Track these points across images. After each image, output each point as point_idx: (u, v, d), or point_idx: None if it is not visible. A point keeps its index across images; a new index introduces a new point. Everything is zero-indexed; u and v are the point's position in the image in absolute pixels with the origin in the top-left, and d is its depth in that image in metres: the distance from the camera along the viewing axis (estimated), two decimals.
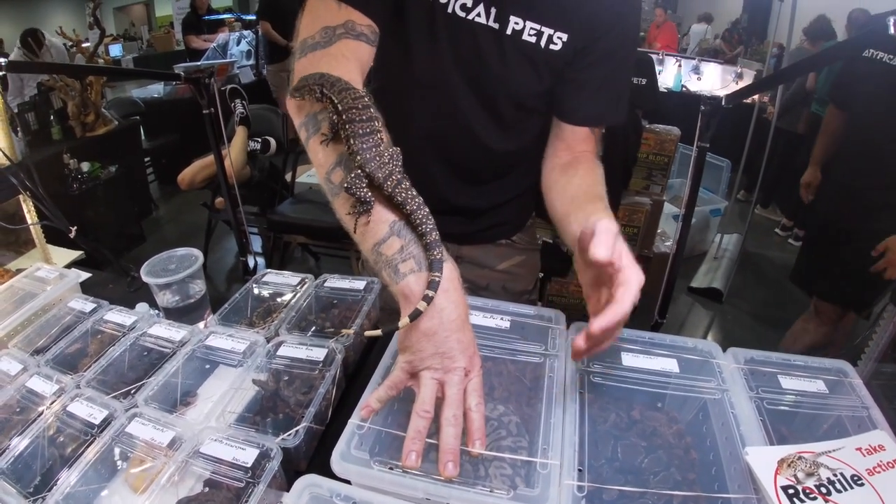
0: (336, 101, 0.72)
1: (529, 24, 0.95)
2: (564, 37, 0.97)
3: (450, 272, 0.72)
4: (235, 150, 3.00)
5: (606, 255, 0.68)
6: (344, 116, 0.71)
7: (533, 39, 0.97)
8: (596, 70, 1.00)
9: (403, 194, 0.70)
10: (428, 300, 0.67)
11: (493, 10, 0.95)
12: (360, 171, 0.70)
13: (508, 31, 0.96)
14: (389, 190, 0.70)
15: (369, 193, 0.70)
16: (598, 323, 0.69)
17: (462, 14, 0.96)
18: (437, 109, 1.07)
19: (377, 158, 0.70)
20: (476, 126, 1.08)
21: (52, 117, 3.74)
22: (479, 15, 0.96)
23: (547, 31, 0.96)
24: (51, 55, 4.46)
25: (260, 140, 3.23)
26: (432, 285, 0.68)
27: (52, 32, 4.83)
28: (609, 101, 1.05)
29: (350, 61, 0.83)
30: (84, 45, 4.22)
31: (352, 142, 0.70)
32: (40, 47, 4.38)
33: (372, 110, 0.73)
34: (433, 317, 0.69)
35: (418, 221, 0.70)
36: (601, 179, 1.00)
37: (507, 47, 0.98)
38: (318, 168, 0.79)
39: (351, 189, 0.70)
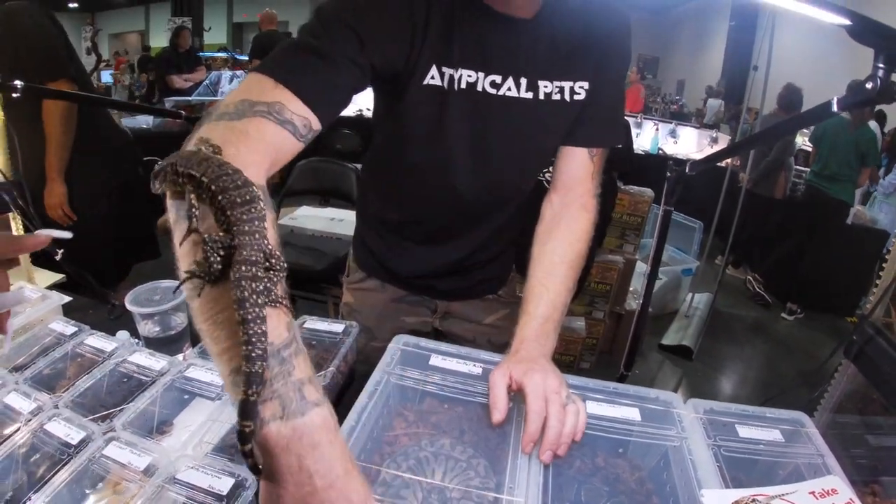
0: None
1: (555, 84, 0.99)
2: (586, 84, 1.01)
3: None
4: None
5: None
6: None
7: (559, 97, 1.00)
8: (595, 97, 1.03)
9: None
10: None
11: (523, 81, 0.97)
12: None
13: (541, 97, 0.99)
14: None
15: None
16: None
17: (493, 91, 0.97)
18: (433, 191, 1.11)
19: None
20: (475, 204, 1.11)
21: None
22: (509, 89, 0.97)
23: (568, 84, 1.00)
24: None
25: None
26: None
27: None
28: (605, 122, 1.06)
29: (258, 143, 0.69)
30: None
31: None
32: None
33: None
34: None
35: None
36: (573, 243, 1.05)
37: (541, 113, 1.01)
38: None
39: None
